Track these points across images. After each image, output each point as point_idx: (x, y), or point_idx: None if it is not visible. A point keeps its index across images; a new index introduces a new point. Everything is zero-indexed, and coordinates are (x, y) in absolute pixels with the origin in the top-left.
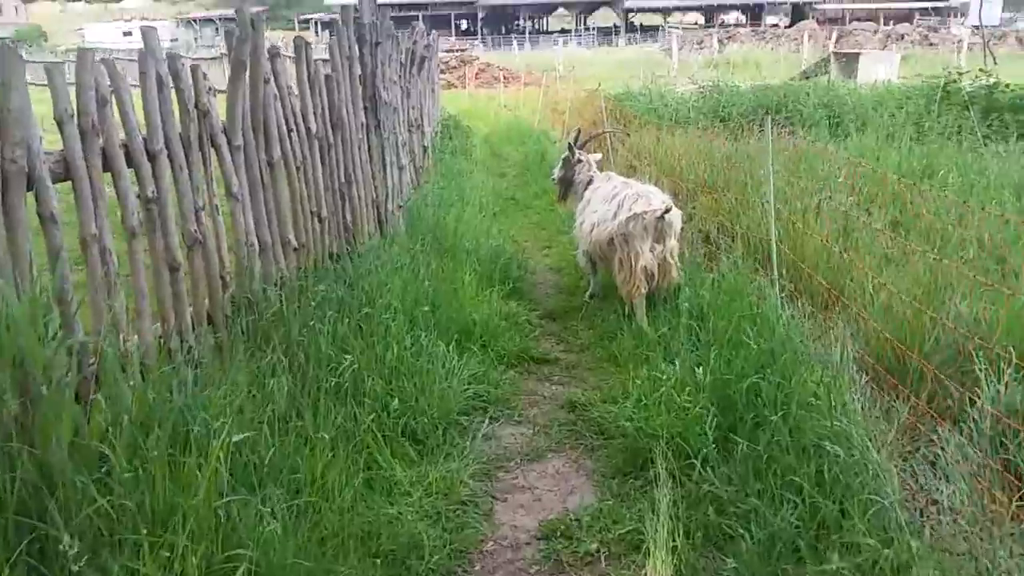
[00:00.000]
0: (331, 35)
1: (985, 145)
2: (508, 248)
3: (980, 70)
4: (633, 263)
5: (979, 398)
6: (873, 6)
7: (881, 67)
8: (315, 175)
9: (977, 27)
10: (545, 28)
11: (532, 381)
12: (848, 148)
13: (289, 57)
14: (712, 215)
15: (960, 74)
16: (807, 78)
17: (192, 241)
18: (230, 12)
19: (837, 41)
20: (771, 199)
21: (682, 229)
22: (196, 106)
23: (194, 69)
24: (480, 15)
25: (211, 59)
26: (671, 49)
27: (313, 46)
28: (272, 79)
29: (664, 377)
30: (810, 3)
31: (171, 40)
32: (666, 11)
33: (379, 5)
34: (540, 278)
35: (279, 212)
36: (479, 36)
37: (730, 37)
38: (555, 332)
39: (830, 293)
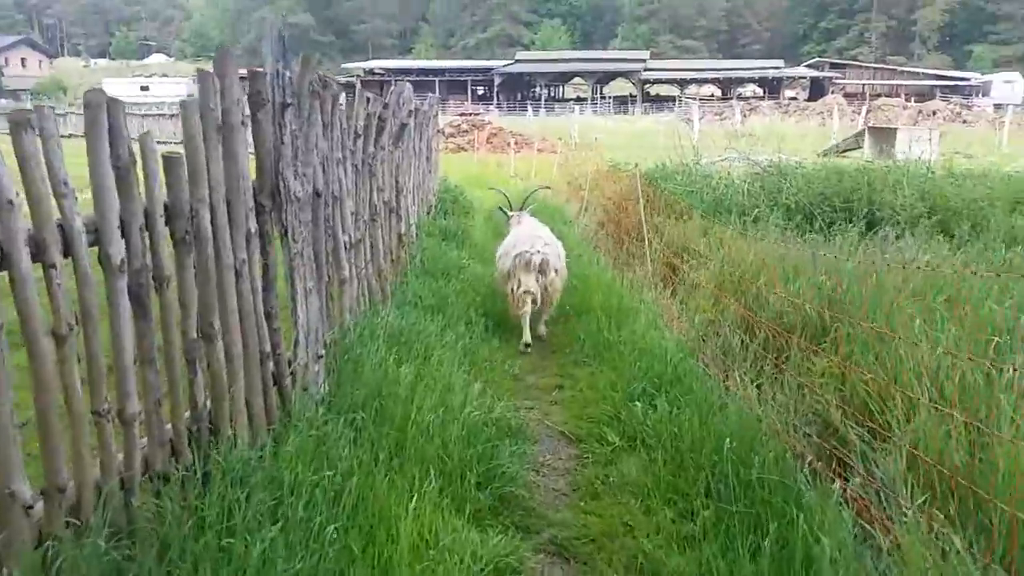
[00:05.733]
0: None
1: None
2: (496, 412)
3: None
4: (515, 288)
5: None
6: (894, 83)
7: (921, 144)
8: (117, 339)
9: (999, 105)
10: (561, 96)
11: None
12: (981, 267)
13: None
14: (830, 383)
15: None
16: (839, 153)
17: None
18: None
19: (866, 116)
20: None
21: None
22: None
23: None
24: (497, 81)
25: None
26: (691, 119)
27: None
28: None
29: None
30: (830, 78)
31: (187, 96)
32: (683, 83)
33: (377, 73)
34: (544, 455)
35: None
36: (495, 101)
37: (752, 109)
38: None
39: None
